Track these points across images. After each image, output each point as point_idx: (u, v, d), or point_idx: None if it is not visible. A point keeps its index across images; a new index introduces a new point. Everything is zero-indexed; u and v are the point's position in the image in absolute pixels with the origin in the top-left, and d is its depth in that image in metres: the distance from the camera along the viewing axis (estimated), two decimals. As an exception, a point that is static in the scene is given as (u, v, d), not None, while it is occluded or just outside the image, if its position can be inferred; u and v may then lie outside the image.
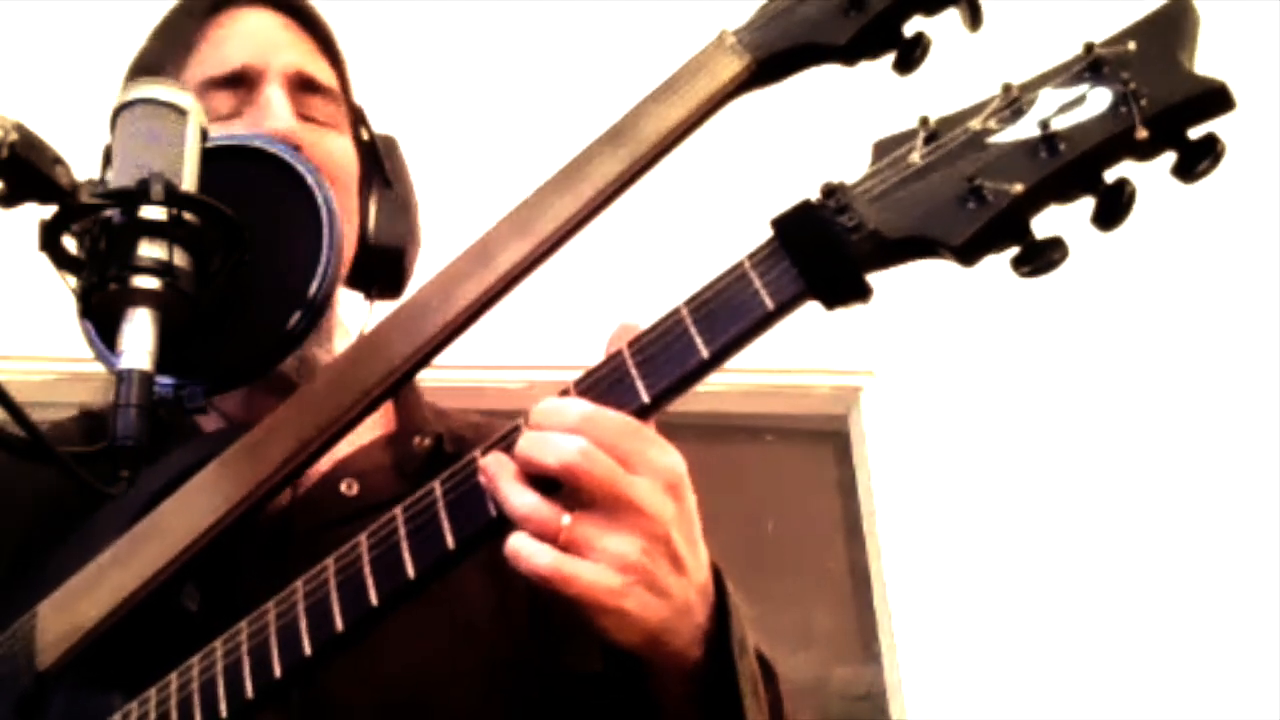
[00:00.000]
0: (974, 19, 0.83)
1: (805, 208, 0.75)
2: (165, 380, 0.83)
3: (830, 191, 0.75)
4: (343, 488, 0.97)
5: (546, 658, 0.94)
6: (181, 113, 0.86)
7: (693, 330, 0.75)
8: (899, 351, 2.49)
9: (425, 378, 0.95)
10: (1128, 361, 2.52)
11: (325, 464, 0.97)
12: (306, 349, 0.99)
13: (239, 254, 0.84)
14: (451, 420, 1.09)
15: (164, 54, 1.08)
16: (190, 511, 0.87)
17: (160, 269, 0.78)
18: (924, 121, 0.76)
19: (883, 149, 0.77)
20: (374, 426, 1.03)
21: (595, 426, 0.74)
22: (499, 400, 2.13)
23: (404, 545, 0.77)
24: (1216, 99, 0.68)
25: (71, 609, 0.87)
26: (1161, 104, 0.69)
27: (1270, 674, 2.29)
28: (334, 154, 1.05)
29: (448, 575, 0.81)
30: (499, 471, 0.75)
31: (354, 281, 1.10)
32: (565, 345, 1.99)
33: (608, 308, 2.24)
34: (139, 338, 0.77)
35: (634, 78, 0.93)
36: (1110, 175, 0.71)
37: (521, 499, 0.74)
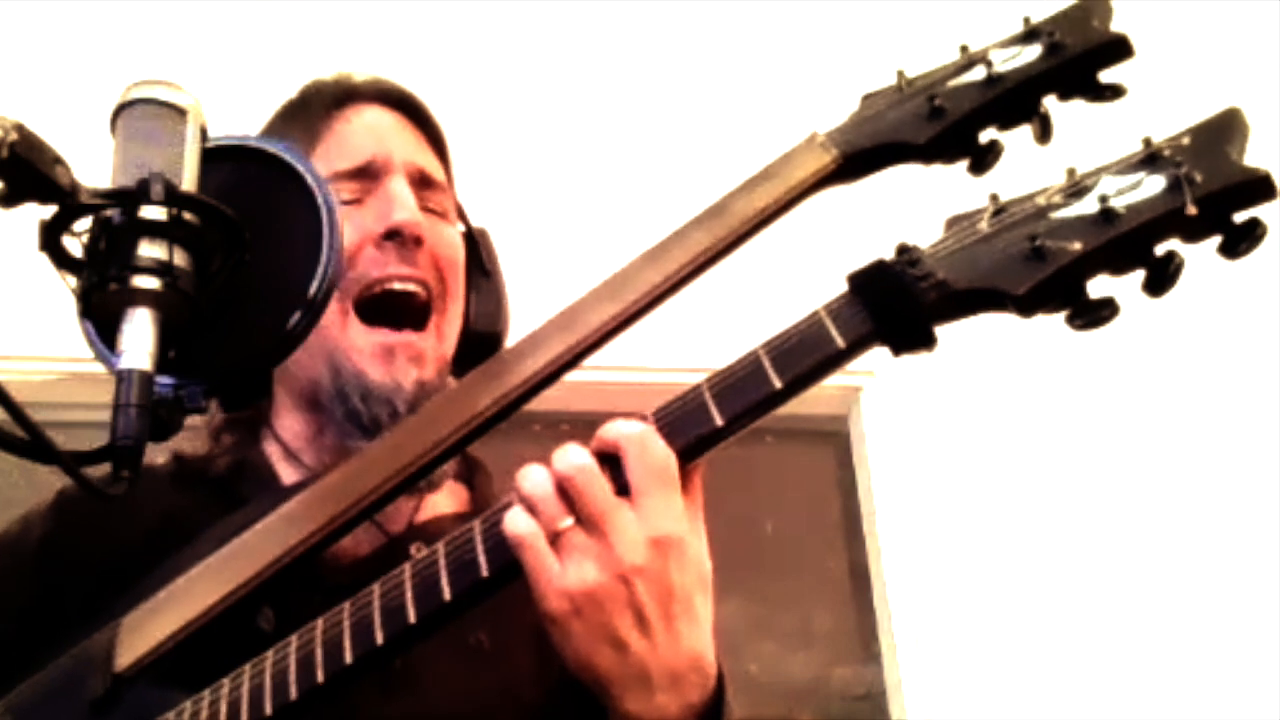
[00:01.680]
0: (1044, 134, 0.91)
1: (879, 262, 0.82)
2: (165, 380, 0.83)
3: (903, 250, 0.82)
4: (412, 550, 0.99)
5: None
6: (181, 113, 0.86)
7: (767, 364, 0.81)
8: (899, 351, 2.49)
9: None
10: (1128, 361, 2.52)
11: (402, 526, 1.05)
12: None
13: (239, 254, 0.84)
14: None
15: (288, 130, 1.14)
16: (267, 541, 0.93)
17: (160, 269, 0.78)
18: (994, 198, 0.84)
19: (954, 221, 0.84)
20: (450, 505, 1.11)
21: (629, 448, 0.79)
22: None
23: (443, 572, 0.83)
24: (1262, 187, 0.77)
25: (151, 620, 0.92)
26: (1211, 187, 0.77)
27: (1270, 674, 2.29)
28: (451, 244, 1.13)
29: (499, 638, 0.92)
30: (534, 465, 0.81)
31: (455, 367, 1.15)
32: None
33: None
34: (139, 338, 0.77)
35: (729, 172, 0.98)
36: (1160, 249, 0.79)
37: (535, 480, 0.80)
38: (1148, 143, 0.81)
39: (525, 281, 1.28)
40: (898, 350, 0.82)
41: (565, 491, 0.79)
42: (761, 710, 2.41)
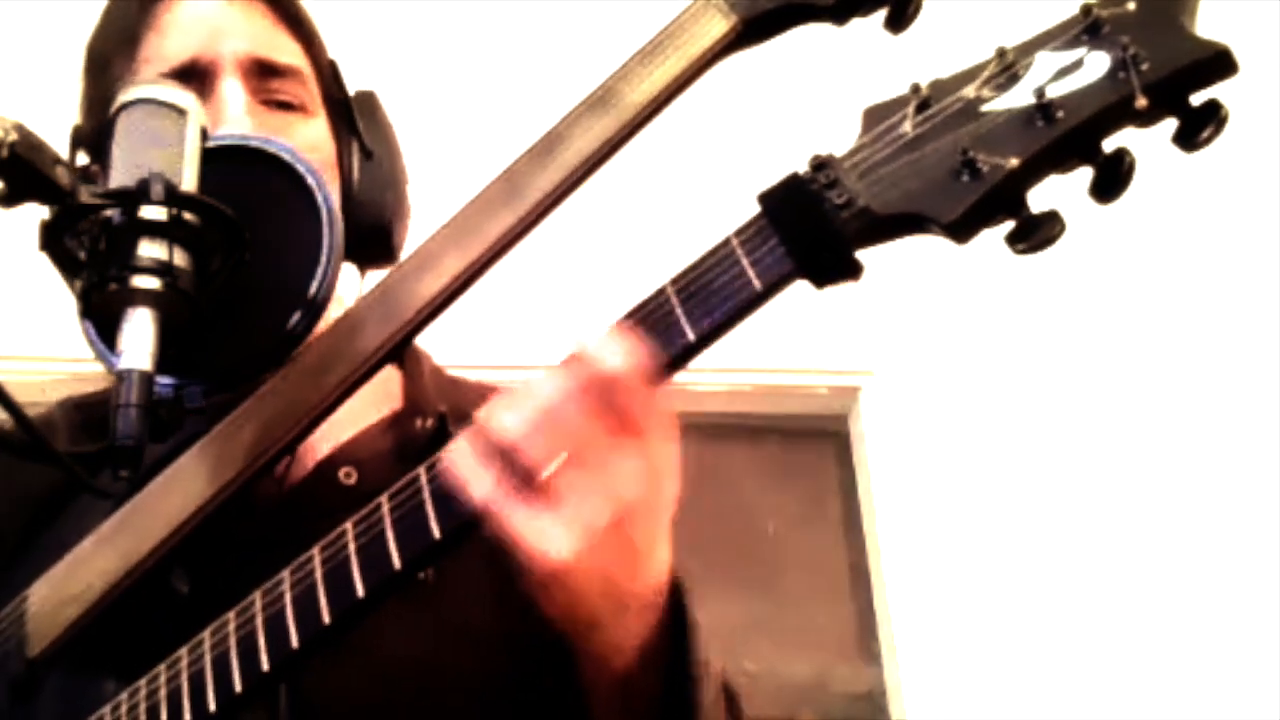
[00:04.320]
0: None
1: (794, 182, 0.73)
2: (165, 380, 0.83)
3: (819, 165, 0.72)
4: (341, 476, 0.95)
5: (538, 668, 0.91)
6: (181, 113, 0.86)
7: (679, 312, 0.72)
8: (899, 351, 2.49)
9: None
10: (1128, 360, 2.52)
11: (325, 448, 0.96)
12: None
13: (239, 254, 0.84)
14: (463, 394, 1.04)
15: (111, 47, 1.03)
16: (177, 493, 0.86)
17: (160, 269, 0.78)
18: (916, 89, 0.73)
19: (873, 117, 0.74)
20: (379, 404, 1.00)
21: (620, 378, 0.70)
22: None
23: (389, 535, 0.75)
24: (1219, 63, 0.66)
25: (61, 591, 0.86)
26: (1162, 69, 0.66)
27: (1270, 674, 2.29)
28: (302, 142, 0.99)
29: (444, 569, 0.81)
30: (498, 403, 0.71)
31: (348, 255, 1.04)
32: (542, 342, 2.00)
33: (587, 289, 2.23)
34: (139, 338, 0.77)
35: (618, 37, 0.91)
36: (1109, 145, 0.69)
37: (510, 426, 0.69)
38: (1086, 10, 0.70)
39: (419, 158, 1.14)
40: (820, 284, 0.72)
41: (550, 426, 0.70)
42: (761, 710, 2.41)
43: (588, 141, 0.85)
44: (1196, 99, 0.67)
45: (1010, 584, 2.36)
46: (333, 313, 0.99)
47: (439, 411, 1.00)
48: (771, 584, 2.43)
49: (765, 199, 0.73)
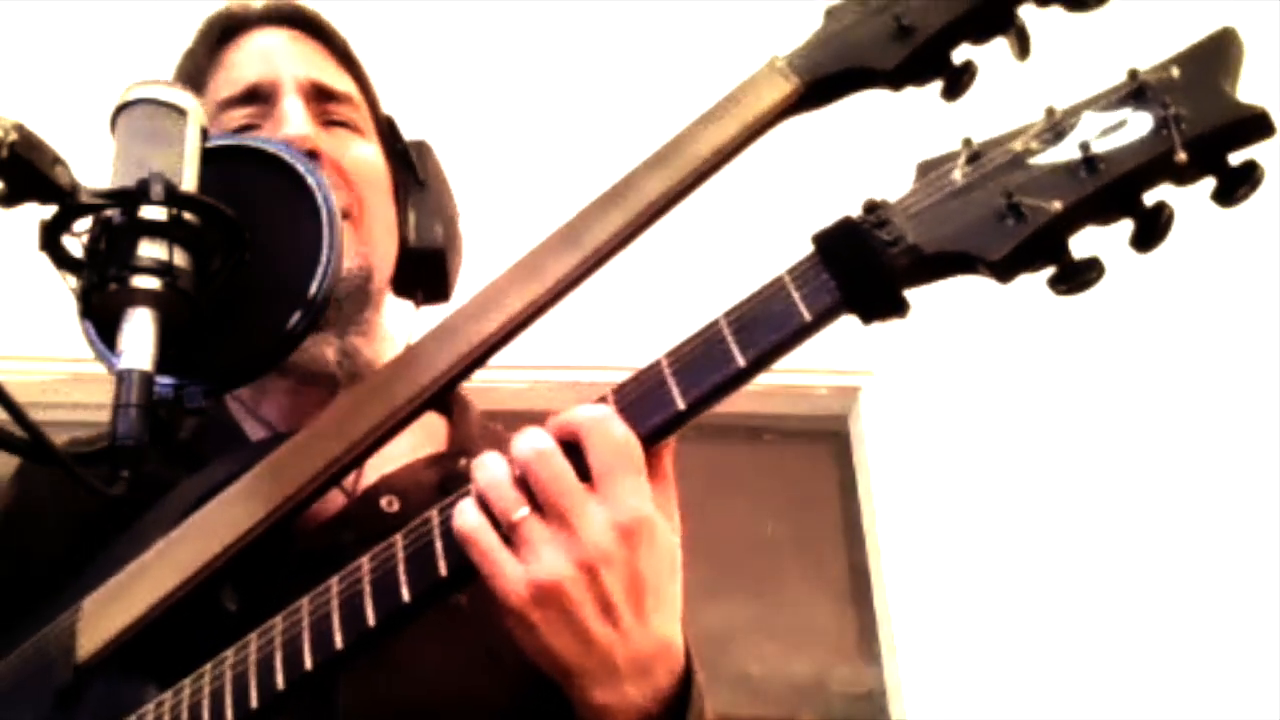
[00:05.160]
0: (1022, 49, 0.84)
1: (845, 223, 0.76)
2: (165, 380, 0.83)
3: (871, 208, 0.76)
4: (383, 504, 0.97)
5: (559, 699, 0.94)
6: (181, 113, 0.86)
7: (730, 340, 0.76)
8: (899, 351, 2.49)
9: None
10: (1128, 361, 2.52)
11: (372, 478, 0.99)
12: (347, 339, 1.02)
13: (239, 254, 0.84)
14: (506, 445, 1.08)
15: (184, 83, 1.07)
16: (230, 515, 0.88)
17: (160, 269, 0.78)
18: (967, 143, 0.77)
19: (926, 169, 0.78)
20: (425, 444, 1.04)
21: (590, 433, 0.75)
22: (506, 400, 2.13)
23: (400, 569, 0.79)
24: (1257, 125, 0.70)
25: (112, 605, 0.88)
26: (1202, 128, 0.70)
27: (1270, 674, 2.29)
28: (361, 158, 1.06)
29: (480, 596, 0.83)
30: (490, 452, 0.77)
31: (399, 288, 1.11)
32: (572, 345, 2.00)
33: (642, 311, 2.24)
34: (139, 338, 0.77)
35: (686, 101, 0.94)
36: (1149, 198, 0.72)
37: (490, 471, 0.76)
38: (1133, 75, 0.74)
39: (480, 222, 1.22)
40: (867, 319, 0.76)
41: (524, 479, 0.75)
42: (761, 710, 2.41)
43: (651, 192, 0.88)
44: (1235, 158, 0.71)
45: (1010, 584, 2.36)
46: (384, 349, 1.06)
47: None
48: (771, 584, 2.43)
49: (818, 237, 0.77)
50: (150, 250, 0.79)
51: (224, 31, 1.10)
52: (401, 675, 0.89)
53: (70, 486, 0.78)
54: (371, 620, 0.78)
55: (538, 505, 0.75)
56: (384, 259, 1.07)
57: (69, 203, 0.78)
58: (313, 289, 0.89)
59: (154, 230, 0.79)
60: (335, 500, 0.97)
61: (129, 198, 0.79)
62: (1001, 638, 2.32)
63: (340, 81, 1.09)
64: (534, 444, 0.75)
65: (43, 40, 2.58)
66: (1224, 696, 2.27)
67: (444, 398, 0.91)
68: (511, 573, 0.74)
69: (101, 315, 0.81)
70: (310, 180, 0.92)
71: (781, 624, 2.40)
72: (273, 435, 0.99)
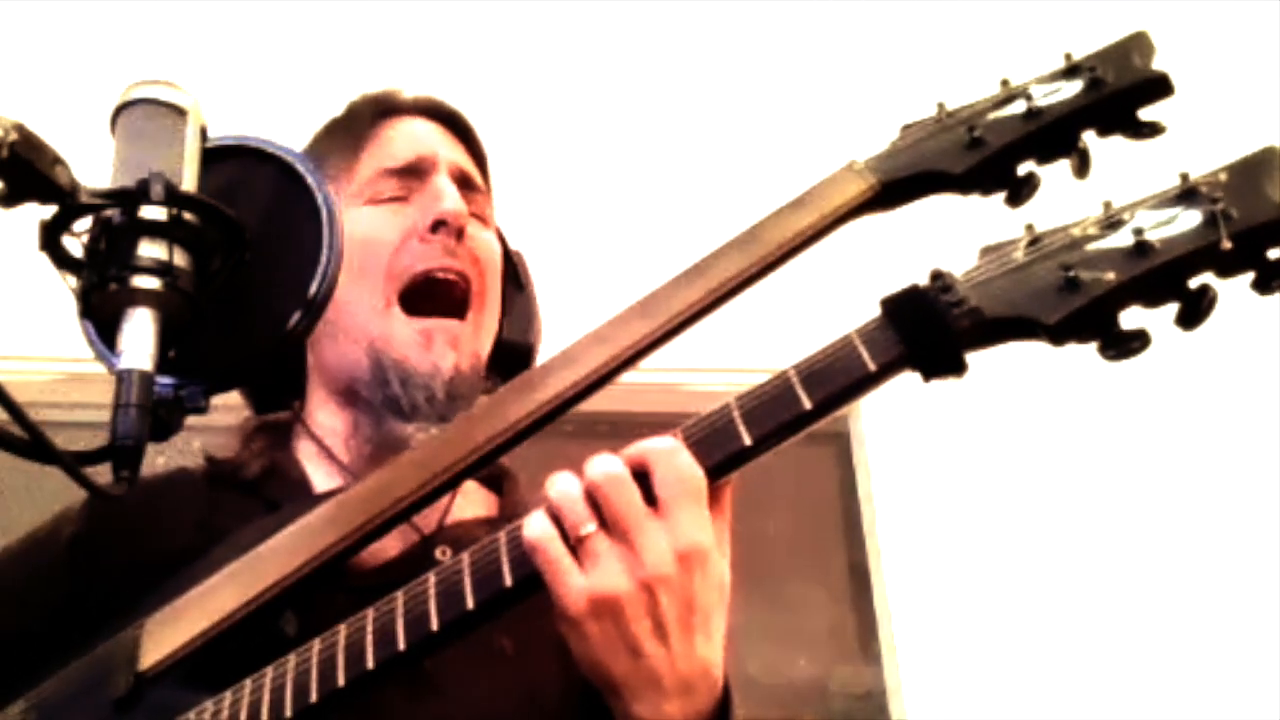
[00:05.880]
0: (1082, 169, 0.91)
1: (913, 288, 0.83)
2: (165, 380, 0.83)
3: (937, 276, 0.82)
4: (437, 553, 1.03)
5: None
6: (181, 113, 0.86)
7: (797, 385, 0.82)
8: (899, 352, 2.49)
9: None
10: (1129, 362, 2.52)
11: (429, 529, 1.06)
12: (444, 422, 1.08)
13: (239, 254, 0.84)
14: None
15: (333, 148, 1.18)
16: (293, 547, 0.93)
17: (160, 269, 0.78)
18: (1029, 229, 0.84)
19: (988, 250, 0.84)
20: (478, 509, 1.12)
21: (659, 463, 0.80)
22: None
23: (431, 603, 0.84)
24: None
25: (175, 622, 0.92)
26: (1247, 223, 0.77)
27: (1270, 674, 2.29)
28: (490, 245, 1.16)
29: (523, 640, 0.93)
30: (564, 472, 0.82)
31: (492, 373, 1.17)
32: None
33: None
34: (139, 338, 0.77)
35: (768, 198, 0.99)
36: (1194, 283, 0.79)
37: (563, 487, 0.81)
38: (1185, 178, 0.81)
39: (563, 302, 1.31)
40: (928, 376, 0.83)
41: (594, 498, 0.80)
42: (761, 710, 2.41)
43: (725, 270, 0.93)
44: (1274, 253, 0.79)
45: (1010, 584, 2.36)
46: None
47: None
48: (772, 584, 2.43)
49: (886, 301, 0.83)
50: (150, 250, 0.78)
51: (386, 110, 1.19)
52: (450, 704, 0.95)
53: (139, 521, 0.87)
54: (435, 624, 0.83)
55: (605, 523, 0.80)
56: (484, 347, 1.15)
57: (69, 203, 0.78)
58: (313, 289, 0.88)
59: (154, 230, 0.79)
60: (395, 544, 1.03)
61: (129, 198, 0.79)
62: (1001, 638, 2.32)
63: (479, 178, 1.20)
64: (606, 467, 0.80)
65: (43, 40, 2.58)
66: (1224, 696, 2.27)
67: (504, 452, 0.95)
68: (574, 582, 0.79)
69: (101, 315, 0.81)
70: (310, 180, 0.92)
71: (781, 624, 2.40)
72: (338, 487, 1.04)
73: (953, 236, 1.11)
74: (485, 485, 1.15)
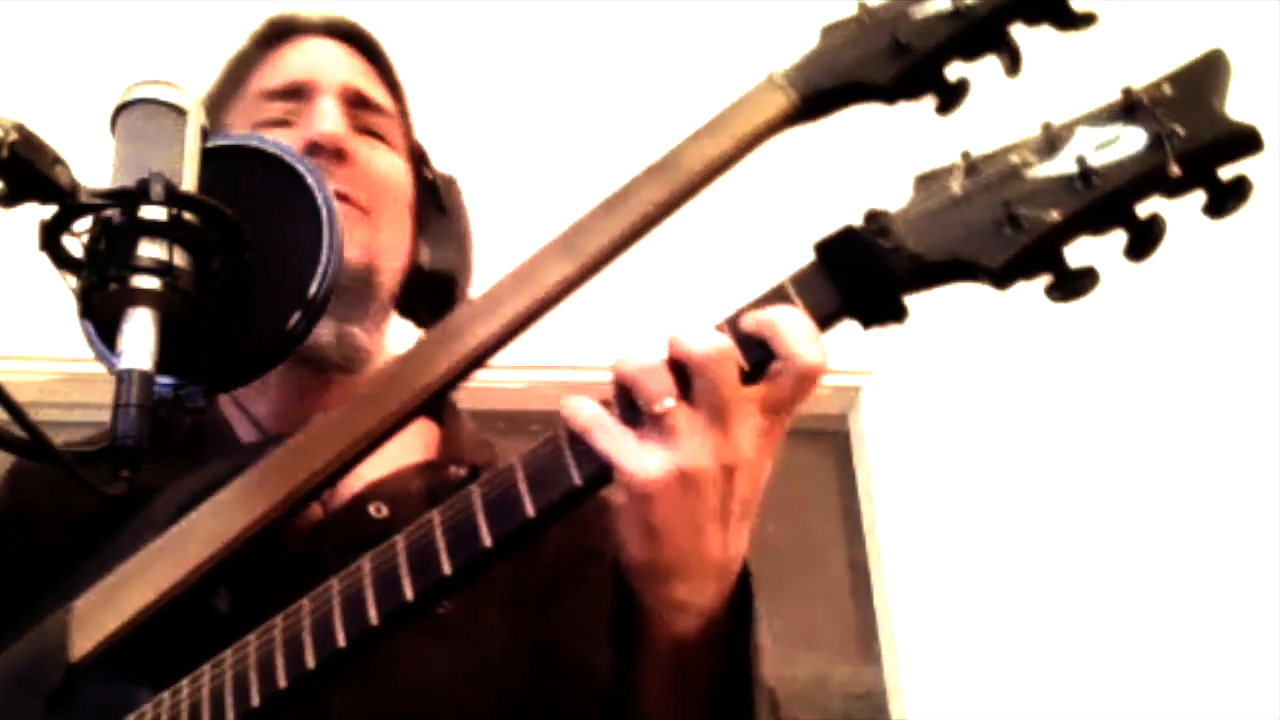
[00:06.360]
0: (1014, 65, 0.86)
1: (847, 231, 0.78)
2: (165, 380, 0.83)
3: (872, 217, 0.77)
4: (372, 510, 0.99)
5: (552, 701, 0.95)
6: (181, 113, 0.86)
7: (740, 341, 0.76)
8: (899, 351, 2.49)
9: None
10: (1128, 360, 2.52)
11: (360, 485, 1.00)
12: (343, 325, 1.04)
13: (239, 254, 0.84)
14: (495, 453, 1.10)
15: (227, 80, 1.14)
16: (223, 518, 0.89)
17: (160, 269, 0.78)
18: (965, 156, 0.79)
19: (924, 181, 0.80)
20: (415, 451, 1.06)
21: (784, 337, 0.75)
22: (503, 401, 2.13)
23: (403, 568, 0.79)
24: (1247, 141, 0.72)
25: (104, 605, 0.89)
26: (1194, 144, 0.73)
27: (1270, 674, 2.29)
28: (387, 167, 1.09)
29: (462, 607, 0.86)
30: (645, 349, 0.76)
31: (405, 308, 1.13)
32: (570, 346, 2.00)
33: (641, 314, 2.25)
34: (139, 338, 0.77)
35: (683, 112, 0.95)
36: (1143, 210, 0.74)
37: (643, 357, 0.75)
38: (1127, 92, 0.76)
39: (490, 226, 1.24)
40: (867, 324, 0.79)
41: (686, 372, 0.75)
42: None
43: (646, 202, 0.89)
44: (1225, 173, 0.73)
45: (1010, 584, 2.36)
46: (384, 355, 1.07)
47: (473, 463, 1.05)
48: (771, 584, 2.42)
49: (820, 245, 0.78)
50: (150, 250, 0.78)
51: (280, 33, 1.14)
52: (392, 683, 0.90)
53: (64, 486, 0.79)
54: (374, 619, 0.79)
55: (690, 398, 0.74)
56: (391, 267, 1.09)
57: (69, 203, 0.78)
58: (313, 289, 0.89)
59: (154, 230, 0.79)
60: (326, 504, 0.98)
61: (129, 198, 0.79)
62: (1001, 637, 2.32)
63: (379, 95, 1.13)
64: (718, 342, 0.75)
65: (43, 40, 2.58)
66: (1224, 696, 2.27)
67: (437, 404, 0.92)
68: (653, 458, 0.74)
69: (101, 315, 0.81)
70: (310, 180, 0.92)
71: (781, 624, 2.39)
72: (265, 438, 1.00)
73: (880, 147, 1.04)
74: (427, 416, 1.07)
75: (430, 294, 1.12)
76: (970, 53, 0.87)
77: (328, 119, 1.06)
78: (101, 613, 0.88)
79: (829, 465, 2.60)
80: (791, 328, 0.75)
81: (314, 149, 1.04)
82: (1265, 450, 2.47)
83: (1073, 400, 2.50)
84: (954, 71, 0.88)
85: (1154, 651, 2.31)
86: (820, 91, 0.89)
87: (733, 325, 0.77)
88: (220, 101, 1.12)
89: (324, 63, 1.12)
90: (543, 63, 2.69)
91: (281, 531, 0.92)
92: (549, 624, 0.98)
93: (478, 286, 1.10)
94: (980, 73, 0.89)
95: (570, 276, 0.89)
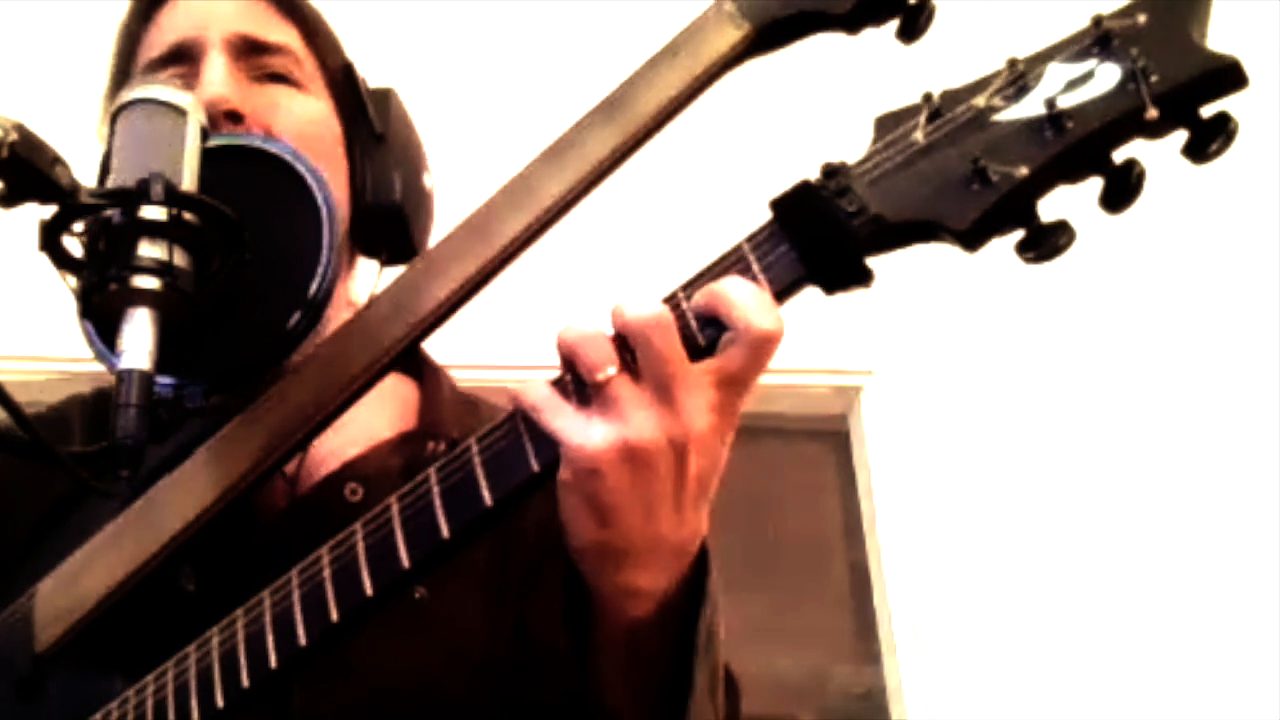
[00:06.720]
0: None
1: (805, 189, 0.73)
2: (165, 380, 0.83)
3: (831, 172, 0.73)
4: (347, 492, 0.94)
5: (527, 688, 0.92)
6: (181, 113, 0.86)
7: (690, 318, 0.72)
8: (899, 351, 2.49)
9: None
10: (1128, 360, 2.52)
11: (334, 463, 0.96)
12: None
13: (239, 254, 0.84)
14: (480, 415, 1.03)
15: (119, 58, 1.07)
16: (185, 493, 0.86)
17: (160, 269, 0.78)
18: (927, 97, 0.73)
19: (885, 125, 0.74)
20: (394, 420, 1.01)
21: (733, 306, 0.71)
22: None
23: (362, 562, 0.77)
24: (1229, 76, 0.67)
25: (69, 589, 0.86)
26: (1172, 81, 0.67)
27: (1270, 674, 2.29)
28: (291, 113, 1.00)
29: (436, 590, 0.83)
30: (584, 322, 0.73)
31: (363, 248, 1.06)
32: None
33: (595, 294, 2.24)
34: (139, 338, 0.77)
35: (630, 42, 0.91)
36: (1119, 155, 0.69)
37: (582, 329, 0.72)
38: (1097, 22, 0.70)
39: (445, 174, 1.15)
40: (830, 290, 0.73)
41: (627, 342, 0.71)
42: (761, 710, 2.41)
43: (598, 148, 0.85)
44: (1206, 111, 0.67)
45: (1010, 583, 2.36)
46: (334, 313, 0.99)
47: (452, 437, 0.99)
48: (771, 584, 2.43)
49: (776, 205, 0.73)
50: (150, 250, 0.78)
51: None
52: (358, 676, 0.87)
53: (28, 465, 0.77)
54: (335, 615, 0.76)
55: (632, 370, 0.71)
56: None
57: (69, 203, 0.78)
58: (313, 288, 0.89)
59: (154, 230, 0.79)
60: (298, 484, 0.95)
61: (129, 198, 0.79)
62: (1001, 637, 2.32)
63: (275, 32, 1.03)
64: (655, 311, 0.71)
65: (43, 40, 2.58)
66: (1224, 696, 2.27)
67: (412, 362, 0.90)
68: (597, 431, 0.70)
69: (101, 315, 0.80)
70: (310, 180, 0.92)
71: (781, 624, 2.40)
72: (224, 403, 0.94)
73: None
74: (402, 373, 1.00)
75: (380, 230, 1.03)
76: None
77: (212, 83, 0.97)
78: (65, 599, 0.86)
79: (829, 465, 2.60)
80: (740, 297, 0.71)
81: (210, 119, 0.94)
82: (1266, 452, 2.47)
83: (1073, 400, 2.50)
84: None
85: (1154, 651, 2.31)
86: (775, 21, 0.84)
87: (684, 299, 0.73)
88: (119, 81, 1.04)
89: (204, 16, 1.01)
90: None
91: (253, 513, 0.90)
92: (530, 607, 0.94)
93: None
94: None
95: (524, 231, 0.85)
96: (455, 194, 1.07)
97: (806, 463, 2.59)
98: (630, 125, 0.85)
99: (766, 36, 0.84)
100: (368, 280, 1.05)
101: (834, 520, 2.55)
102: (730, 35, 0.84)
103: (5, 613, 0.89)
